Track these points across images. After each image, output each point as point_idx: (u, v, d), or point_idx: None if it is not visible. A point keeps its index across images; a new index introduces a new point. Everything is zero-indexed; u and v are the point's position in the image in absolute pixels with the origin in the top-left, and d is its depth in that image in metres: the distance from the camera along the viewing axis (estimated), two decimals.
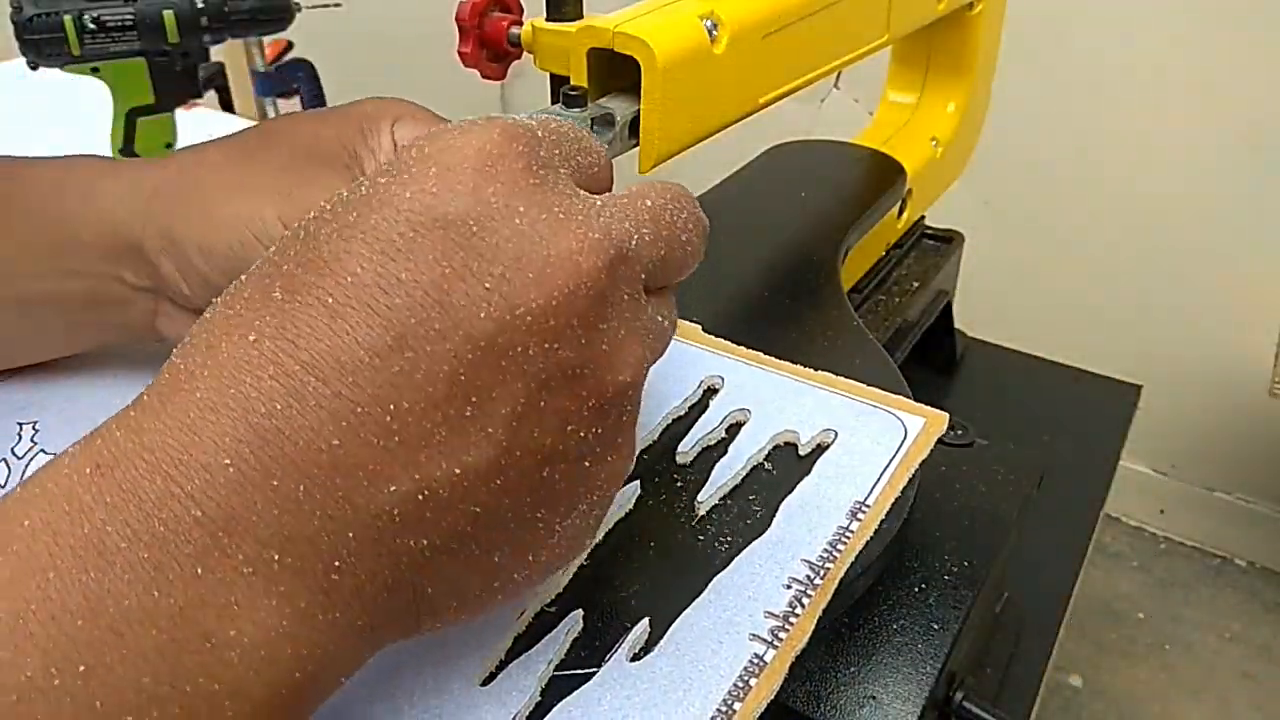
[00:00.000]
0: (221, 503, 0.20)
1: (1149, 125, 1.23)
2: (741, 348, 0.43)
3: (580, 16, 0.39)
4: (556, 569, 0.27)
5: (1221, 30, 1.15)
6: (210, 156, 0.38)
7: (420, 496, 0.22)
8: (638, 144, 0.39)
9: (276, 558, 0.21)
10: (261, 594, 0.21)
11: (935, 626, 0.37)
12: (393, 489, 0.22)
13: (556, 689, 0.29)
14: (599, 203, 0.25)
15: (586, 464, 0.25)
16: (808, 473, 0.37)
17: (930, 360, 0.73)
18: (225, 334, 0.22)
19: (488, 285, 0.22)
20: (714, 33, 0.39)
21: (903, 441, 0.38)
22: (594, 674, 0.29)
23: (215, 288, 0.36)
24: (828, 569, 0.32)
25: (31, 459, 0.38)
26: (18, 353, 0.41)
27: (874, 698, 0.34)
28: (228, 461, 0.21)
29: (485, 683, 0.29)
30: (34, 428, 0.39)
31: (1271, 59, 1.13)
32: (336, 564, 0.21)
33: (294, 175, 0.36)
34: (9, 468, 0.37)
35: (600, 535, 0.34)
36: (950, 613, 0.37)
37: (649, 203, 0.27)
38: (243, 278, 0.24)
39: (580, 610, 0.31)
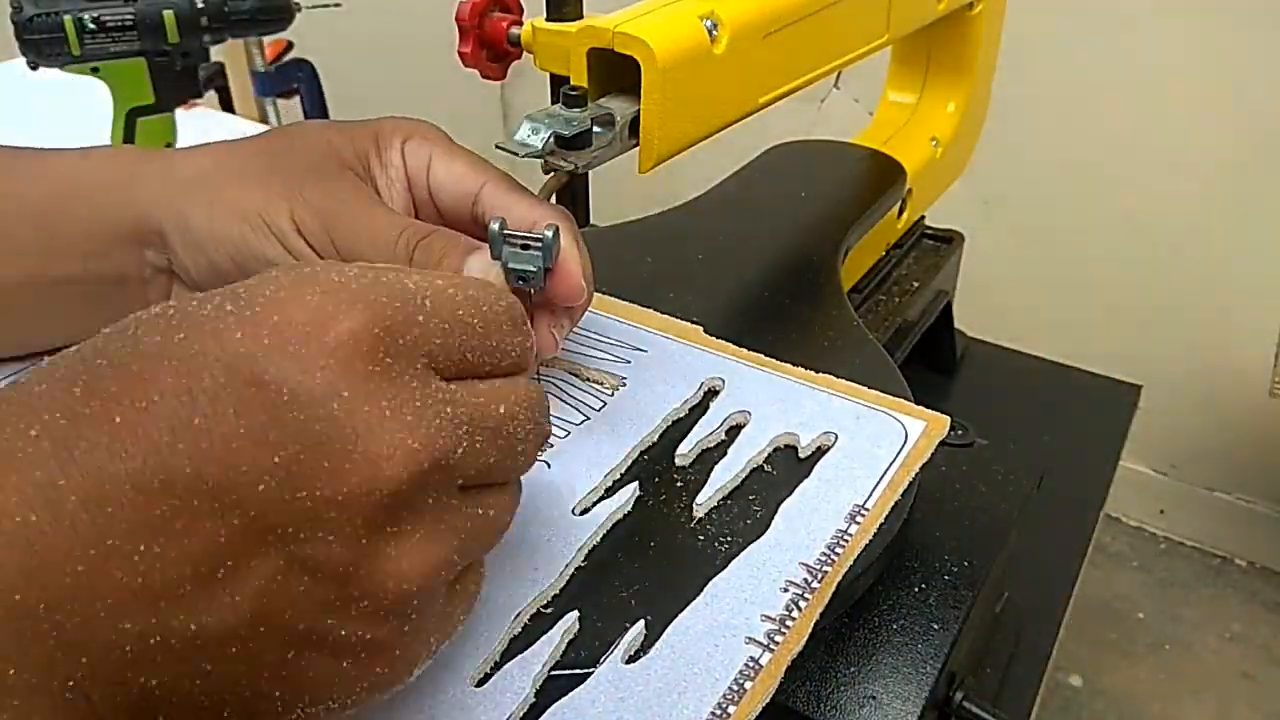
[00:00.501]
0: None
1: (1149, 125, 1.23)
2: (743, 349, 0.43)
3: (580, 16, 0.39)
4: None
5: (1222, 30, 1.15)
6: (239, 150, 0.39)
7: (153, 641, 0.21)
8: (638, 144, 0.39)
9: (12, 672, 0.20)
10: None
11: (935, 626, 0.37)
12: (128, 627, 0.21)
13: (551, 690, 0.29)
14: (444, 400, 0.24)
15: (345, 664, 0.24)
16: (807, 475, 0.37)
17: (930, 360, 0.73)
18: (14, 414, 0.21)
19: (276, 460, 0.21)
20: (714, 33, 0.39)
21: (903, 445, 0.38)
22: (589, 675, 0.29)
23: (219, 272, 0.36)
24: (825, 572, 0.32)
25: None
26: (46, 334, 0.42)
27: (874, 698, 0.34)
28: None
29: (480, 684, 0.29)
30: None
31: (1271, 59, 1.13)
32: (70, 684, 0.21)
33: (308, 177, 0.37)
34: None
35: (598, 537, 0.34)
36: (950, 613, 0.37)
37: (501, 410, 0.26)
38: (73, 350, 0.23)
39: (576, 611, 0.31)
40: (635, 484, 0.36)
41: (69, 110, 0.74)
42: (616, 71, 0.38)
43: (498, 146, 0.37)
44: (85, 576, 0.20)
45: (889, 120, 0.69)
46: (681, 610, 0.31)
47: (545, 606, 0.32)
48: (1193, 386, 1.34)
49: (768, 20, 0.41)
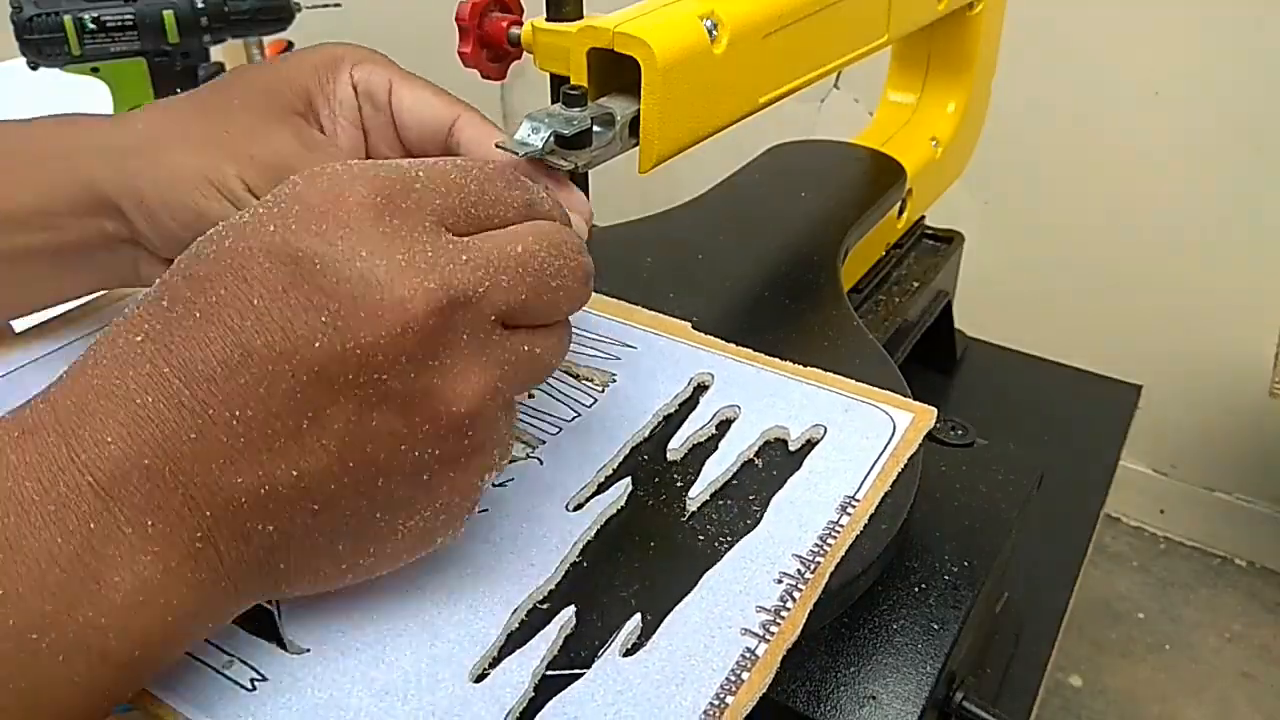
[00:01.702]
0: (107, 472, 0.25)
1: (1148, 125, 1.23)
2: (731, 344, 0.44)
3: (580, 16, 0.39)
4: (407, 558, 0.30)
5: (1221, 30, 1.15)
6: (174, 113, 0.39)
7: (263, 490, 0.26)
8: (638, 144, 0.39)
9: (149, 523, 0.25)
10: (139, 550, 0.25)
11: (935, 626, 0.37)
12: (239, 480, 0.25)
13: (549, 685, 0.29)
14: (458, 249, 0.28)
15: (425, 477, 0.28)
16: (798, 468, 0.37)
17: (930, 360, 0.73)
18: (123, 330, 0.27)
19: (324, 319, 0.25)
20: (714, 33, 0.39)
21: (891, 436, 0.38)
22: (587, 670, 0.29)
23: (182, 242, 0.36)
24: (818, 563, 0.32)
25: None
26: (17, 300, 0.42)
27: (874, 698, 0.34)
28: (110, 439, 0.25)
29: (478, 679, 0.29)
30: None
31: (1271, 59, 1.13)
32: (199, 535, 0.25)
33: (251, 133, 0.37)
34: None
35: (592, 532, 0.34)
36: (950, 613, 0.37)
37: (519, 249, 0.29)
38: (157, 281, 0.28)
39: (573, 607, 0.31)
40: (628, 479, 0.37)
41: (69, 110, 0.74)
42: (616, 71, 0.38)
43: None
44: (198, 442, 0.25)
45: (889, 120, 0.69)
46: (677, 603, 0.31)
47: (542, 602, 0.32)
48: (1193, 386, 1.34)
49: (768, 20, 0.41)
